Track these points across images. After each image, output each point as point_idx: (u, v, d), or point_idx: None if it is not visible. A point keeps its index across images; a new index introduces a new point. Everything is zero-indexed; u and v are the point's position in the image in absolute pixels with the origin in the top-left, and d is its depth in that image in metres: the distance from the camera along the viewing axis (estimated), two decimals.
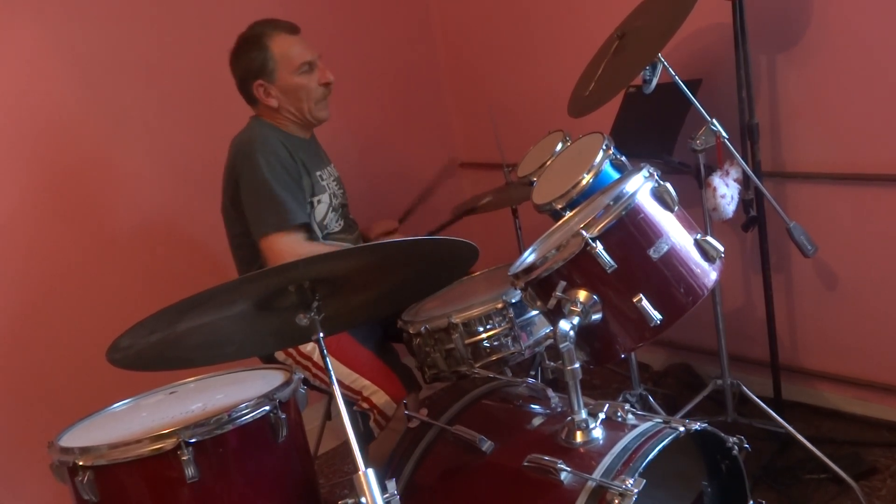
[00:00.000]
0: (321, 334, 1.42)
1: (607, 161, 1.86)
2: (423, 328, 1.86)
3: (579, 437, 1.43)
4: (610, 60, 2.11)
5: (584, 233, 1.41)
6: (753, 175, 2.12)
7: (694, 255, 1.49)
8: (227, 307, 1.39)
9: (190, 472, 1.36)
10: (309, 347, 2.09)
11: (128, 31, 2.58)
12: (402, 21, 3.28)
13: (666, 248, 1.45)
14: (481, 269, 2.18)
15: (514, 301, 1.81)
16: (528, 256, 1.58)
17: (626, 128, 2.50)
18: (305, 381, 1.68)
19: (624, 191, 1.45)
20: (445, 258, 1.58)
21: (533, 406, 1.65)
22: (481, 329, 1.83)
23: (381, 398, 2.01)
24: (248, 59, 2.15)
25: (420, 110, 3.38)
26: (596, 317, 1.45)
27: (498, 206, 2.53)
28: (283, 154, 2.10)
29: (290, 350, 2.11)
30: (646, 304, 1.42)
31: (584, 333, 1.46)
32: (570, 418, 1.45)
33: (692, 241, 1.50)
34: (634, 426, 1.44)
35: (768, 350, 2.39)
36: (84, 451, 1.39)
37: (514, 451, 1.47)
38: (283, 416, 1.48)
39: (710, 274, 1.50)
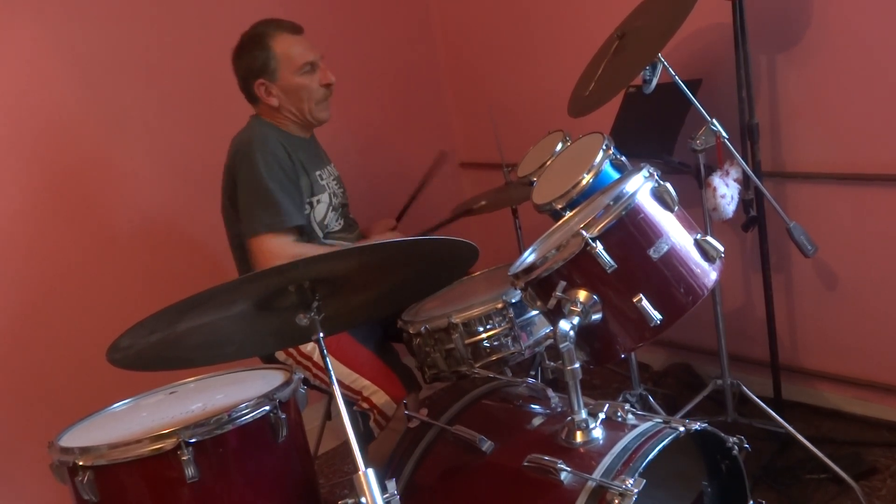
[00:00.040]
0: (321, 334, 1.42)
1: (607, 161, 1.86)
2: (423, 328, 1.86)
3: (579, 437, 1.43)
4: (610, 60, 2.11)
5: (584, 233, 1.41)
6: (753, 175, 2.12)
7: (694, 255, 1.49)
8: (227, 307, 1.39)
9: (190, 472, 1.36)
10: (309, 347, 2.10)
11: (128, 31, 2.58)
12: (402, 21, 3.28)
13: (666, 248, 1.45)
14: (481, 269, 2.18)
15: (514, 301, 1.81)
16: (528, 256, 1.58)
17: (626, 128, 2.50)
18: (305, 381, 1.68)
19: (624, 191, 1.45)
20: (445, 258, 1.58)
21: (533, 406, 1.65)
22: (481, 329, 1.83)
23: (381, 398, 2.01)
24: (251, 58, 2.15)
25: (420, 110, 3.38)
26: (596, 317, 1.45)
27: (498, 207, 2.53)
28: (282, 154, 2.10)
29: (291, 350, 2.11)
30: (646, 304, 1.42)
31: (584, 333, 1.46)
32: (570, 418, 1.45)
33: (692, 241, 1.50)
34: (634, 426, 1.44)
35: (768, 350, 2.39)
36: (84, 451, 1.39)
37: (514, 451, 1.47)
38: (283, 416, 1.48)
39: (710, 274, 1.50)
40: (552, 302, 1.44)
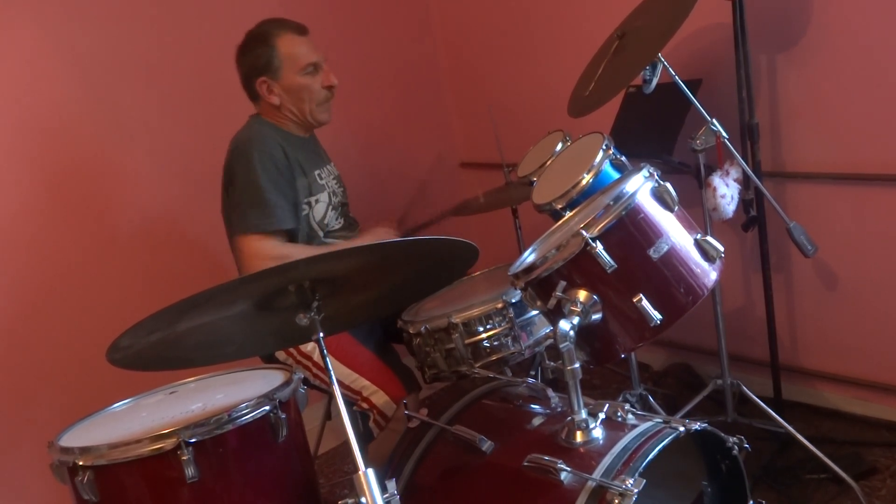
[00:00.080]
0: (321, 334, 1.42)
1: (607, 161, 1.86)
2: (423, 328, 1.86)
3: (579, 436, 1.43)
4: (610, 60, 2.11)
5: (584, 233, 1.41)
6: (753, 175, 2.12)
7: (694, 255, 1.49)
8: (227, 307, 1.39)
9: (190, 472, 1.36)
10: (309, 347, 2.10)
11: (128, 31, 2.58)
12: (402, 21, 3.28)
13: (666, 248, 1.45)
14: (481, 269, 2.18)
15: (514, 301, 1.81)
16: (528, 256, 1.58)
17: (626, 128, 2.50)
18: (305, 381, 1.68)
19: (624, 191, 1.45)
20: (445, 258, 1.58)
21: (533, 406, 1.65)
22: (481, 329, 1.83)
23: (380, 398, 2.01)
24: (254, 56, 2.16)
25: (420, 110, 3.38)
26: (596, 317, 1.45)
27: (497, 206, 2.53)
28: (279, 155, 2.11)
29: (291, 350, 2.11)
30: (646, 304, 1.42)
31: (584, 333, 1.46)
32: (570, 418, 1.45)
33: (692, 241, 1.50)
34: (634, 426, 1.44)
35: (768, 350, 2.39)
36: (84, 451, 1.39)
37: (514, 451, 1.47)
38: (283, 416, 1.48)
39: (710, 274, 1.50)
40: (552, 302, 1.44)
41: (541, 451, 1.40)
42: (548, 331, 1.84)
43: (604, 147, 1.87)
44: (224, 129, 2.20)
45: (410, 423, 1.71)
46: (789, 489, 2.14)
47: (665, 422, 1.44)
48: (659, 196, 1.49)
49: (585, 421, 1.44)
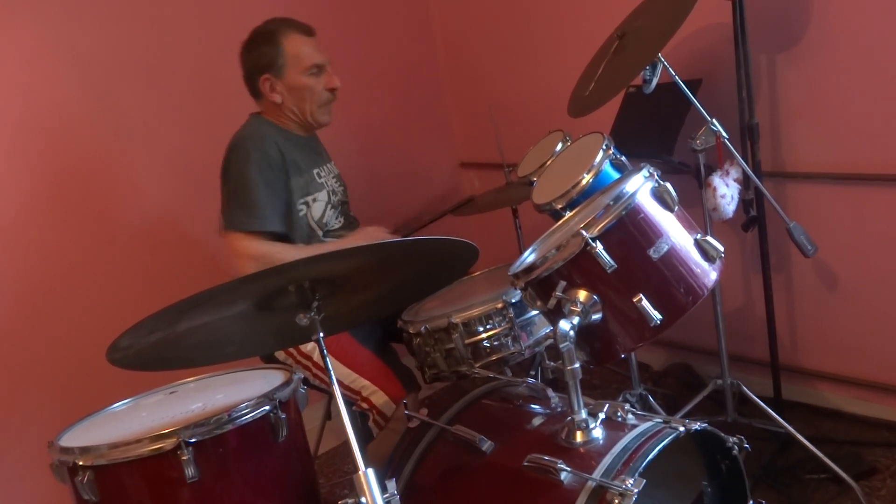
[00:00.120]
0: (321, 334, 1.42)
1: (607, 161, 1.86)
2: (423, 328, 1.86)
3: (579, 436, 1.43)
4: (610, 60, 2.11)
5: (584, 233, 1.41)
6: (753, 175, 2.12)
7: (694, 255, 1.49)
8: (227, 307, 1.39)
9: (190, 472, 1.36)
10: (309, 347, 2.10)
11: (128, 31, 2.58)
12: (402, 21, 3.28)
13: (666, 248, 1.45)
14: (481, 269, 2.18)
15: (514, 301, 1.81)
16: (528, 256, 1.58)
17: (626, 128, 2.50)
18: (305, 381, 1.68)
19: (624, 191, 1.45)
20: (445, 258, 1.58)
21: (533, 406, 1.65)
22: (481, 329, 1.83)
23: (380, 398, 2.01)
24: (259, 53, 2.16)
25: (420, 110, 3.38)
26: (596, 317, 1.45)
27: (497, 206, 2.53)
28: (274, 154, 2.11)
29: (290, 349, 2.11)
30: (646, 304, 1.42)
31: (584, 333, 1.46)
32: (570, 418, 1.45)
33: (692, 241, 1.50)
34: (634, 426, 1.44)
35: (768, 350, 2.39)
36: (84, 451, 1.39)
37: (514, 450, 1.47)
38: (283, 416, 1.48)
39: (710, 274, 1.50)
40: (552, 302, 1.44)
41: (541, 451, 1.40)
42: (548, 331, 1.84)
43: (604, 147, 1.87)
44: (224, 128, 2.20)
45: (410, 423, 1.71)
46: (789, 489, 2.14)
47: (665, 422, 1.44)
48: (659, 196, 1.49)
49: (585, 421, 1.44)
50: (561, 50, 2.91)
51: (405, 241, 1.45)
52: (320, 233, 2.22)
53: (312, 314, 1.41)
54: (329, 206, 2.24)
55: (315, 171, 2.23)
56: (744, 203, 2.23)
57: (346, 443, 1.33)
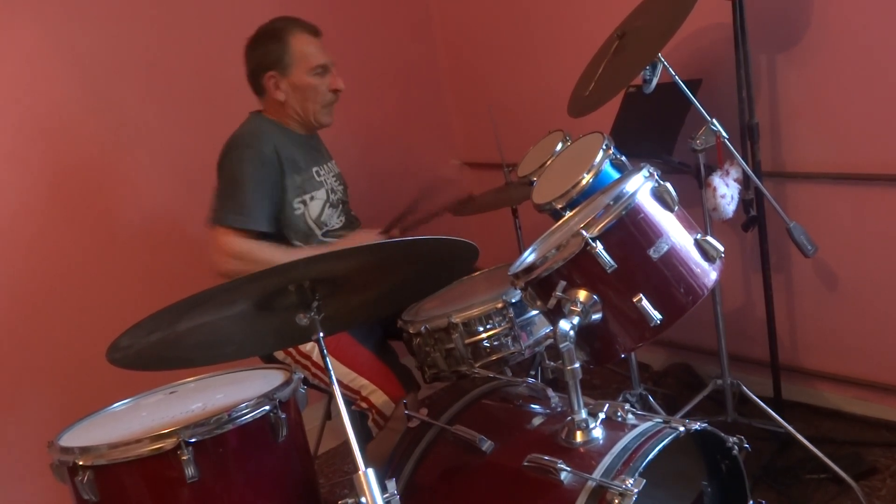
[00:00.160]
0: (321, 334, 1.42)
1: (607, 161, 1.86)
2: (423, 328, 1.86)
3: (579, 436, 1.43)
4: (610, 60, 2.11)
5: (584, 233, 1.41)
6: (753, 175, 2.12)
7: (694, 255, 1.49)
8: (227, 307, 1.39)
9: (190, 471, 1.36)
10: (308, 346, 2.10)
11: (128, 31, 2.58)
12: (402, 21, 3.28)
13: (666, 247, 1.45)
14: (481, 269, 2.18)
15: (514, 301, 1.81)
16: (528, 256, 1.58)
17: (626, 128, 2.50)
18: (304, 380, 1.68)
19: (624, 191, 1.45)
20: (445, 258, 1.58)
21: (533, 406, 1.65)
22: (481, 329, 1.83)
23: (379, 398, 2.01)
24: (266, 50, 2.17)
25: (420, 110, 3.38)
26: (596, 317, 1.45)
27: (497, 206, 2.53)
28: (270, 154, 2.11)
29: (289, 349, 2.11)
30: (646, 303, 1.42)
31: (584, 333, 1.46)
32: (570, 418, 1.45)
33: (692, 241, 1.50)
34: (634, 426, 1.44)
35: (768, 350, 2.39)
36: (84, 450, 1.39)
37: (514, 450, 1.47)
38: (283, 416, 1.48)
39: (710, 274, 1.50)
40: (552, 302, 1.44)
41: (541, 450, 1.40)
42: (548, 331, 1.84)
43: (604, 147, 1.87)
44: (224, 128, 2.20)
45: (410, 423, 1.71)
46: (789, 489, 2.14)
47: (665, 422, 1.44)
48: (659, 196, 1.49)
49: (585, 421, 1.44)
50: (561, 50, 2.91)
51: (405, 240, 1.45)
52: (318, 231, 2.21)
53: (312, 314, 1.41)
54: (328, 204, 2.24)
55: (314, 170, 2.23)
56: (744, 203, 2.23)
57: (346, 443, 1.33)
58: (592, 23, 2.48)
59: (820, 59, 2.25)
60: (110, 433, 1.47)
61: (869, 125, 2.21)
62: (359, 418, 2.04)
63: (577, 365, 1.41)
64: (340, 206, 2.30)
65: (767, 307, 2.36)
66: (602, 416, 1.46)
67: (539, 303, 1.51)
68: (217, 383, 1.68)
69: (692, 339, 2.82)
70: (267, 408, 1.46)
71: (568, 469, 1.35)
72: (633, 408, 1.52)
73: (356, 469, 1.29)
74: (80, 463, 1.38)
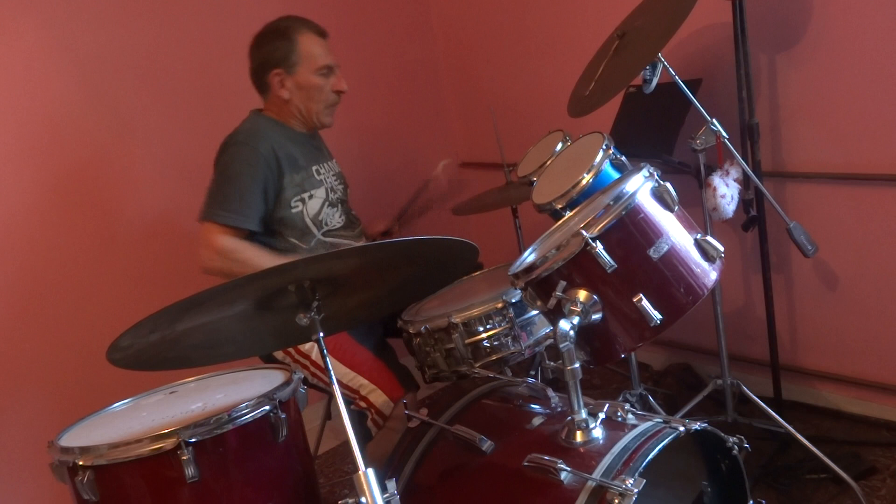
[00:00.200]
0: (321, 334, 1.42)
1: (607, 161, 1.86)
2: (423, 328, 1.86)
3: (579, 436, 1.43)
4: (610, 60, 2.11)
5: (584, 232, 1.41)
6: (753, 175, 2.12)
7: (694, 255, 1.49)
8: (227, 307, 1.39)
9: (190, 471, 1.36)
10: (307, 346, 2.10)
11: (128, 30, 2.58)
12: (402, 21, 3.28)
13: (666, 247, 1.45)
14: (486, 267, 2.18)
15: (514, 301, 1.81)
16: (528, 256, 1.58)
17: (626, 128, 2.51)
18: (303, 380, 1.68)
19: (624, 191, 1.45)
20: (445, 258, 1.58)
21: (533, 406, 1.65)
22: (481, 329, 1.83)
23: (378, 397, 2.01)
24: (273, 48, 2.18)
25: (420, 110, 3.38)
26: (596, 317, 1.45)
27: (497, 206, 2.53)
28: (266, 153, 2.11)
29: (289, 348, 2.11)
30: (646, 303, 1.42)
31: (584, 333, 1.46)
32: (570, 418, 1.45)
33: (692, 241, 1.50)
34: (634, 426, 1.44)
35: (768, 350, 2.39)
36: (84, 450, 1.39)
37: (514, 450, 1.47)
38: (283, 416, 1.48)
39: (710, 274, 1.49)
40: (552, 302, 1.44)
41: (541, 450, 1.40)
42: (548, 331, 1.84)
43: (604, 147, 1.87)
44: (224, 128, 2.20)
45: (410, 423, 1.71)
46: (789, 489, 2.14)
47: (665, 422, 1.44)
48: (659, 196, 1.49)
49: (585, 421, 1.44)
50: (561, 50, 2.91)
51: (405, 240, 1.45)
52: (316, 230, 2.21)
53: (312, 314, 1.41)
54: (327, 203, 2.24)
55: (314, 168, 2.24)
56: (744, 203, 2.23)
57: (346, 443, 1.33)
58: (592, 23, 2.49)
59: (820, 59, 2.26)
60: (110, 433, 1.47)
61: (869, 125, 2.21)
62: (358, 418, 2.04)
63: (577, 365, 1.41)
64: (340, 205, 2.30)
65: (767, 307, 2.36)
66: (602, 416, 1.46)
67: (539, 303, 1.51)
68: (217, 383, 1.68)
69: (692, 339, 2.82)
70: (267, 408, 1.46)
71: (568, 469, 1.35)
72: (633, 408, 1.52)
73: (356, 469, 1.29)
74: (80, 463, 1.38)
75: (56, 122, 2.47)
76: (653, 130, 2.42)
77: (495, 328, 1.83)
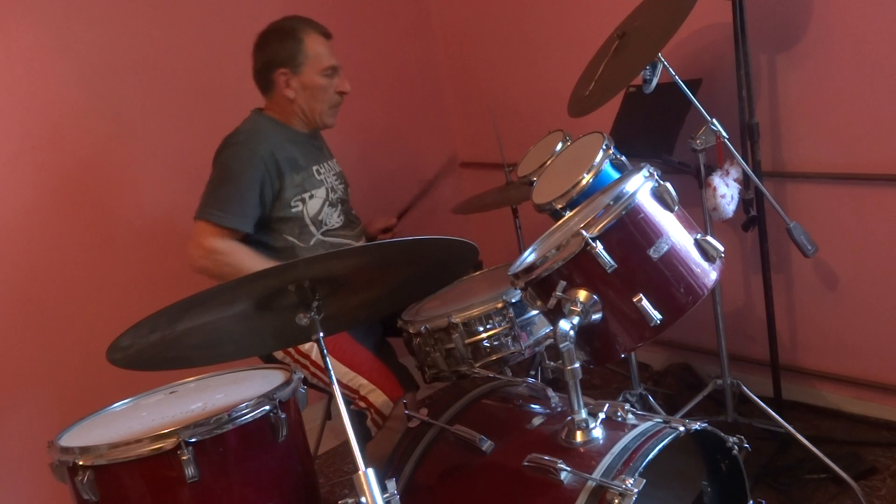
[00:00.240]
0: (321, 334, 1.42)
1: (607, 161, 1.86)
2: (423, 328, 1.86)
3: (579, 436, 1.43)
4: (610, 60, 2.11)
5: (584, 232, 1.41)
6: (753, 175, 2.12)
7: (694, 255, 1.49)
8: (227, 307, 1.39)
9: (190, 471, 1.36)
10: (307, 346, 2.09)
11: (128, 30, 2.58)
12: (402, 21, 3.28)
13: (666, 247, 1.45)
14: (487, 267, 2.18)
15: (514, 301, 1.81)
16: (528, 256, 1.58)
17: (626, 128, 2.51)
18: (304, 380, 1.68)
19: (624, 190, 1.45)
20: (445, 258, 1.58)
21: (533, 406, 1.65)
22: (481, 329, 1.83)
23: (378, 397, 2.01)
24: (280, 47, 2.18)
25: (420, 110, 3.38)
26: (596, 316, 1.45)
27: (497, 206, 2.53)
28: (265, 154, 2.11)
29: (288, 348, 2.11)
30: (646, 303, 1.42)
31: (584, 333, 1.46)
32: (570, 418, 1.45)
33: (692, 241, 1.50)
34: (634, 426, 1.44)
35: (768, 350, 2.39)
36: (84, 450, 1.39)
37: (514, 450, 1.47)
38: (283, 416, 1.48)
39: (710, 274, 1.49)
40: (552, 302, 1.44)
41: (541, 450, 1.40)
42: (548, 331, 1.84)
43: (604, 147, 1.87)
44: (224, 128, 2.20)
45: (410, 423, 1.71)
46: (789, 489, 2.14)
47: (665, 422, 1.44)
48: (659, 196, 1.49)
49: (585, 421, 1.44)
50: (561, 50, 2.91)
51: (405, 240, 1.45)
52: (315, 230, 2.21)
53: (312, 314, 1.41)
54: (327, 203, 2.24)
55: (314, 168, 2.24)
56: (744, 203, 2.23)
57: (346, 443, 1.33)
58: (592, 23, 2.49)
59: (820, 59, 2.26)
60: (110, 433, 1.47)
61: (869, 125, 2.21)
62: (357, 418, 2.04)
63: (577, 365, 1.41)
64: (340, 205, 2.30)
65: (767, 307, 2.36)
66: (602, 416, 1.46)
67: (539, 303, 1.51)
68: (217, 383, 1.68)
69: (692, 339, 2.82)
70: (267, 408, 1.46)
71: (568, 469, 1.35)
72: (633, 408, 1.52)
73: (356, 469, 1.29)
74: (80, 463, 1.38)
75: (56, 122, 2.47)
76: (653, 130, 2.42)
77: (495, 328, 1.83)
